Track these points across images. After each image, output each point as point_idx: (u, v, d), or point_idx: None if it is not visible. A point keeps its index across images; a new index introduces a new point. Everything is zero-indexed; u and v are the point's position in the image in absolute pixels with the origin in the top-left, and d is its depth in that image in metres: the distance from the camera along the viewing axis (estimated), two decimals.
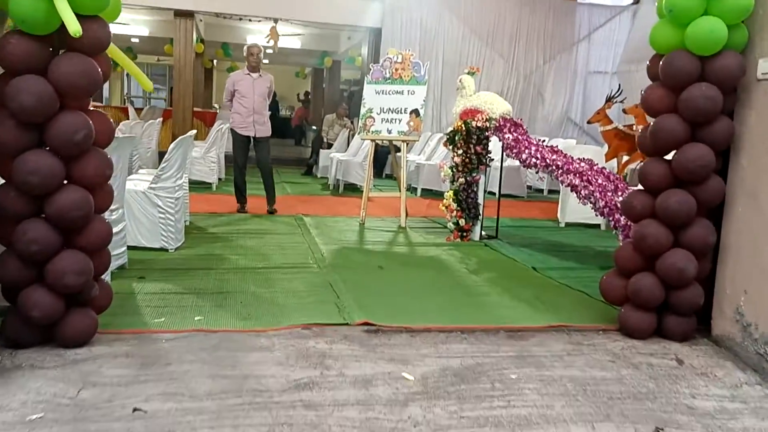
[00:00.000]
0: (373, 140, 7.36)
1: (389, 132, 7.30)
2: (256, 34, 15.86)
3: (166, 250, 5.12)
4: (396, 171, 7.67)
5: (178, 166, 5.24)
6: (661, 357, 3.30)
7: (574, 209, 7.40)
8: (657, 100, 3.41)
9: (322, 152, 11.89)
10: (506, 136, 6.07)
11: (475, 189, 6.27)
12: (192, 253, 5.16)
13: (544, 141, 6.09)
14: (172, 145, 5.25)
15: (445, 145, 6.42)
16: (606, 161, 8.71)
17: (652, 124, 3.43)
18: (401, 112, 7.30)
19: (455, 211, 6.27)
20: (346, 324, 3.48)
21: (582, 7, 14.00)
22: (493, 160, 6.38)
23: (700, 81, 3.28)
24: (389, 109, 7.33)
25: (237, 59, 20.96)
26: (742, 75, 3.26)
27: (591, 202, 5.32)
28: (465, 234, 6.27)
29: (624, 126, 9.58)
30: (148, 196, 5.11)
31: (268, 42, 14.02)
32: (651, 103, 3.44)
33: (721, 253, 3.49)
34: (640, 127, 8.91)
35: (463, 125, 6.21)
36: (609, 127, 9.48)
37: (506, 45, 13.35)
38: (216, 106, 22.28)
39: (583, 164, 5.62)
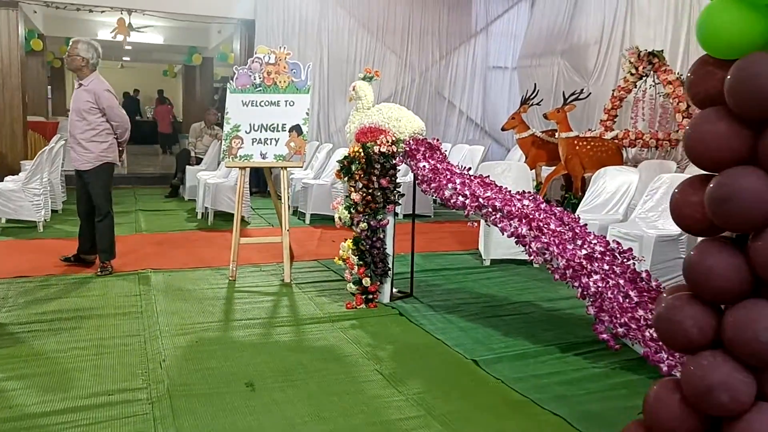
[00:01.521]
0: (242, 168, 5.56)
1: (263, 156, 5.53)
2: (108, 28, 13.46)
3: None
4: (275, 203, 5.92)
5: None
6: None
7: (498, 242, 5.97)
8: (721, 140, 1.91)
9: (190, 169, 9.87)
10: (421, 164, 4.48)
11: (382, 236, 4.65)
12: None
13: (469, 170, 4.56)
14: None
15: (338, 176, 4.74)
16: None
17: (714, 181, 1.92)
18: (278, 130, 5.56)
19: (356, 267, 4.62)
20: None
21: None
22: (403, 195, 4.78)
23: None
24: (262, 126, 5.56)
25: None
26: None
27: (546, 260, 3.83)
28: (371, 297, 4.64)
29: (542, 132, 8.33)
30: None
31: (114, 37, 11.72)
32: (709, 144, 1.94)
33: None
34: (564, 135, 7.69)
35: (361, 150, 4.57)
36: (525, 134, 8.20)
37: (398, 39, 11.86)
38: None
39: (526, 202, 4.14)
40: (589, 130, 8.40)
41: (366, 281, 4.57)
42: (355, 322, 4.28)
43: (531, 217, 3.95)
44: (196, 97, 18.38)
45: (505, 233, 4.01)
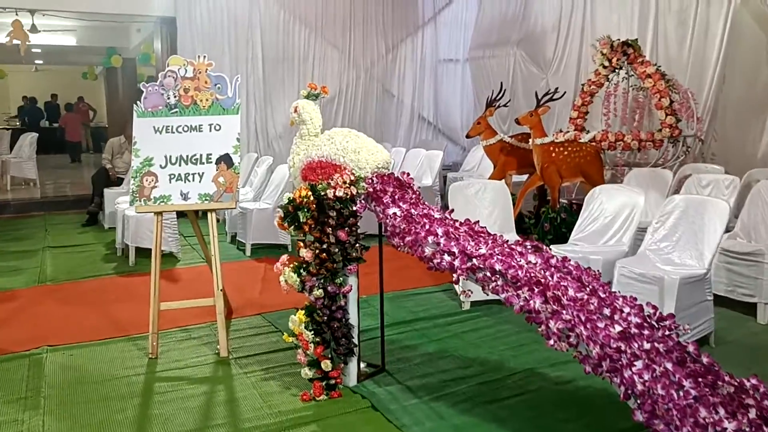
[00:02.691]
0: (158, 213, 4.39)
1: (185, 197, 4.37)
2: (7, 30, 11.89)
3: None
4: (204, 251, 4.79)
5: None
6: None
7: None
8: None
9: (109, 192, 8.55)
10: (390, 212, 3.43)
11: (343, 304, 3.58)
12: None
13: (452, 212, 3.55)
14: None
15: (281, 226, 3.65)
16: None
17: None
18: (202, 162, 4.42)
19: (312, 346, 3.55)
20: None
21: None
22: (367, 249, 3.71)
23: None
24: (181, 157, 4.41)
25: None
26: None
27: (571, 344, 2.86)
28: (333, 384, 3.58)
29: (511, 137, 7.39)
30: None
31: (11, 42, 10.20)
32: None
33: None
34: (539, 141, 6.75)
35: (310, 193, 3.49)
36: (493, 141, 7.24)
37: (339, 32, 10.74)
38: None
39: (532, 258, 3.16)
40: (560, 131, 7.50)
41: (326, 364, 3.51)
42: (315, 429, 3.22)
43: (544, 282, 2.96)
44: (119, 100, 16.84)
45: (509, 304, 3.01)
